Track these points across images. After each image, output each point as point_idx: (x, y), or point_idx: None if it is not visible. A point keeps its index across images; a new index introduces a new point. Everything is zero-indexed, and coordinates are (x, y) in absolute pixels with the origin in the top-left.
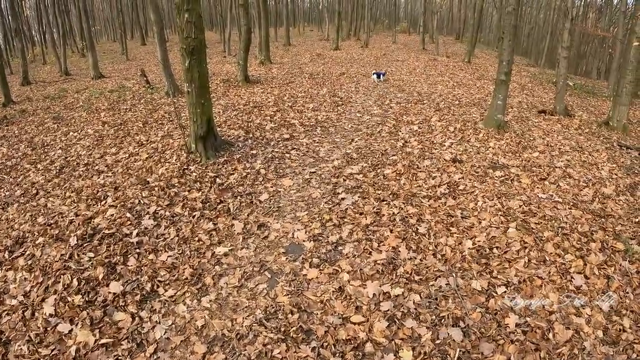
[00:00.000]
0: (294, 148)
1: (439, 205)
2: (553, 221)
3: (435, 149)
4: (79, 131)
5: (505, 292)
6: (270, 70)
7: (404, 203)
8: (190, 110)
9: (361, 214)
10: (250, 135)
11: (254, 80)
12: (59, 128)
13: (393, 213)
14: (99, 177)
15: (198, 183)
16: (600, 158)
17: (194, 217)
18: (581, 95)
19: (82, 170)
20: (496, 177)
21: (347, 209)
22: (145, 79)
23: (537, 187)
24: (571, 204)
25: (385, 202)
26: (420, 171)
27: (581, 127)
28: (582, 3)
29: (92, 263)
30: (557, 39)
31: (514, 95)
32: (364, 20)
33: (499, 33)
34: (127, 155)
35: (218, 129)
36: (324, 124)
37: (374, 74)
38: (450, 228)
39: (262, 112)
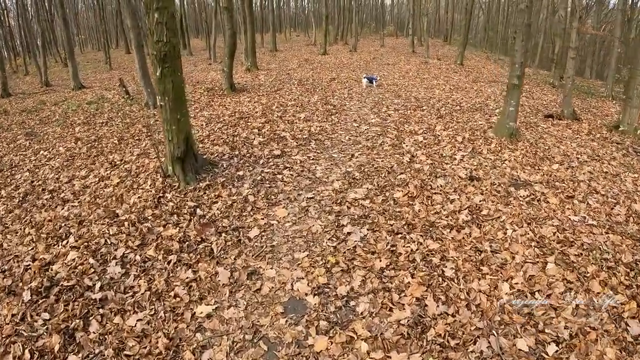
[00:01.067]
0: (287, 167)
1: (463, 238)
2: (593, 251)
3: (447, 164)
4: (50, 149)
5: (557, 351)
6: (257, 77)
7: (422, 236)
8: (165, 128)
9: (373, 253)
10: (237, 153)
11: (240, 88)
12: (30, 145)
13: (411, 250)
14: (63, 208)
15: (175, 216)
16: (620, 167)
17: (169, 262)
18: (580, 96)
19: (46, 199)
20: (521, 197)
21: (355, 246)
22: (124, 89)
23: (567, 208)
24: (606, 226)
25: (400, 236)
26: (435, 193)
27: (592, 132)
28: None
29: (47, 328)
30: (549, 40)
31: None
32: (351, 24)
33: (486, 34)
34: (97, 179)
35: (200, 146)
36: (318, 137)
37: (364, 77)
38: (481, 267)
39: (249, 124)
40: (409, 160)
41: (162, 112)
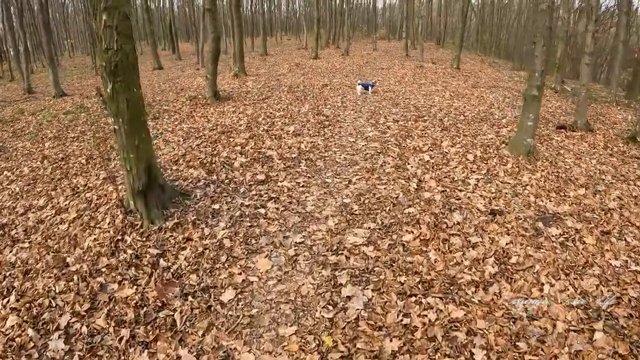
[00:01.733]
0: (272, 198)
1: (492, 299)
2: None
3: (460, 190)
4: (15, 169)
5: None
6: (245, 84)
7: (441, 299)
8: (122, 155)
9: (381, 328)
10: (214, 178)
11: (225, 96)
12: None
13: (429, 321)
14: (11, 250)
15: (133, 268)
16: None
17: (121, 339)
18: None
19: None
20: (553, 237)
21: (357, 317)
22: (101, 98)
23: (606, 249)
24: None
25: (414, 300)
26: (452, 234)
27: (608, 145)
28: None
29: None
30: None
31: (518, 105)
32: (343, 28)
33: (479, 37)
34: (54, 211)
35: (174, 168)
36: (309, 156)
37: (359, 84)
38: (518, 343)
39: (231, 139)
40: (416, 187)
41: (117, 136)
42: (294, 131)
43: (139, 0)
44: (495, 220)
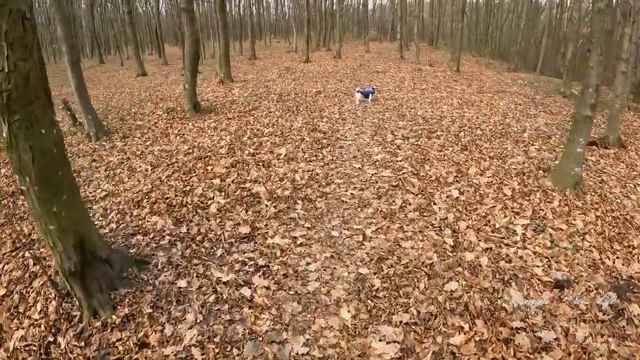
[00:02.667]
0: (260, 267)
1: None
2: None
3: (509, 246)
4: None
5: None
6: (231, 92)
7: None
8: (40, 227)
9: None
10: (183, 230)
11: (206, 107)
12: None
13: None
14: None
15: None
16: None
17: None
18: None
19: None
20: (635, 317)
21: None
22: (69, 113)
23: None
24: None
25: None
26: (516, 328)
27: None
28: (559, 2)
29: None
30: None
31: (533, 114)
32: (333, 30)
33: (476, 37)
34: None
35: (135, 213)
36: (306, 192)
37: (358, 91)
38: None
39: (208, 168)
40: (452, 244)
41: (27, 200)
42: (286, 154)
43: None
44: (564, 296)
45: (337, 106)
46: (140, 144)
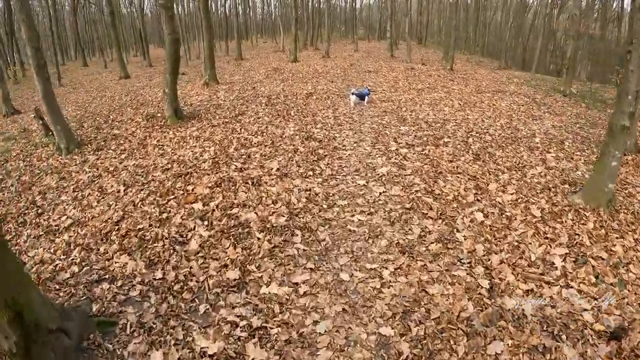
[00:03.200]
0: (255, 330)
1: None
2: None
3: (550, 284)
4: None
5: None
6: (216, 94)
7: None
8: None
9: None
10: (157, 276)
11: (189, 113)
12: None
13: None
14: None
15: None
16: None
17: None
18: (595, 106)
19: None
20: None
21: None
22: (41, 122)
23: None
24: None
25: None
26: None
27: None
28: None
29: None
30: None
31: (538, 115)
32: (321, 29)
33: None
34: None
35: (101, 249)
36: (305, 218)
37: (352, 93)
38: None
39: (189, 189)
40: (489, 288)
41: None
42: (278, 169)
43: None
44: (622, 350)
45: (331, 109)
46: (115, 158)
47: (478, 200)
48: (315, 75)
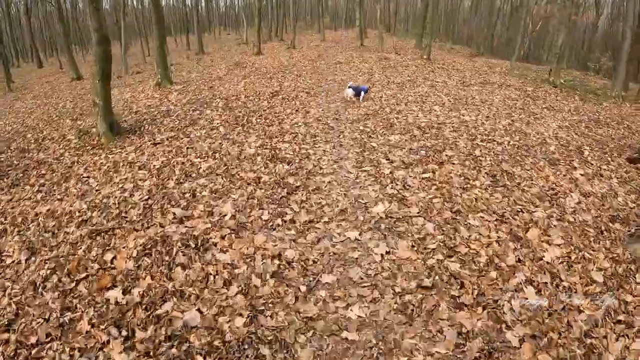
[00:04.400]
0: None
1: None
2: None
3: None
4: None
5: None
6: (168, 97)
7: None
8: None
9: None
10: None
11: (129, 126)
12: None
13: None
14: None
15: None
16: None
17: None
18: (588, 98)
19: None
20: None
21: None
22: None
23: None
24: None
25: None
26: None
27: None
28: None
29: None
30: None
31: (538, 113)
32: (286, 18)
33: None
34: None
35: None
36: (276, 317)
37: (350, 87)
38: None
39: (106, 259)
40: None
41: None
42: (233, 216)
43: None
44: None
45: (301, 113)
46: (29, 199)
47: (520, 260)
48: (280, 69)
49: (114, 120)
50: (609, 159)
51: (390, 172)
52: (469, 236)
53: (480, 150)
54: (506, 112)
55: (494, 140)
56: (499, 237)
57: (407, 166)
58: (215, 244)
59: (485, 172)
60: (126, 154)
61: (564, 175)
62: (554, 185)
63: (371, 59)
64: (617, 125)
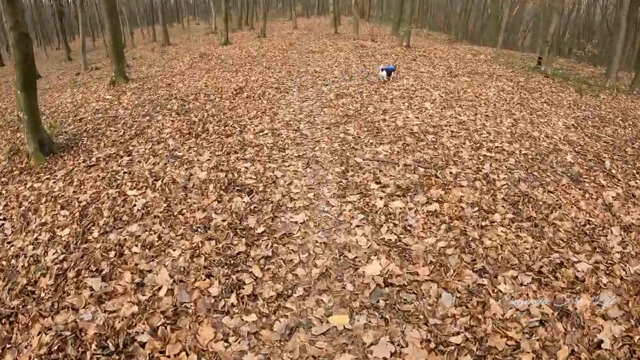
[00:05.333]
0: None
1: None
2: None
3: None
4: None
5: None
6: (120, 99)
7: None
8: None
9: None
10: None
11: (67, 140)
12: None
13: None
14: None
15: None
16: None
17: None
18: (581, 88)
19: None
20: None
21: None
22: None
23: None
24: None
25: None
26: None
27: None
28: None
29: None
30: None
31: (539, 109)
32: (256, 6)
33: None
34: None
35: None
36: None
37: (382, 70)
38: None
39: None
40: None
41: None
42: (170, 290)
43: None
44: None
45: (268, 116)
46: None
47: (574, 353)
48: (248, 60)
49: (44, 136)
50: (634, 171)
51: (385, 205)
52: (503, 314)
53: (491, 165)
54: (505, 108)
55: (503, 150)
56: (542, 312)
57: (405, 193)
58: (142, 345)
59: (503, 198)
60: (54, 182)
61: (595, 200)
62: (589, 215)
63: (346, 47)
64: (623, 123)
